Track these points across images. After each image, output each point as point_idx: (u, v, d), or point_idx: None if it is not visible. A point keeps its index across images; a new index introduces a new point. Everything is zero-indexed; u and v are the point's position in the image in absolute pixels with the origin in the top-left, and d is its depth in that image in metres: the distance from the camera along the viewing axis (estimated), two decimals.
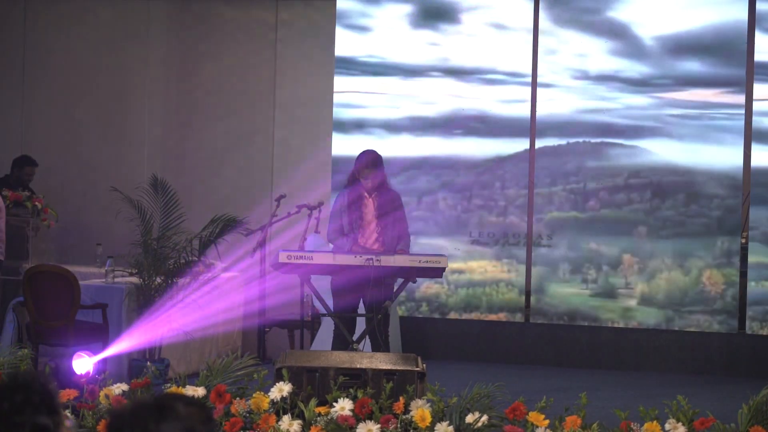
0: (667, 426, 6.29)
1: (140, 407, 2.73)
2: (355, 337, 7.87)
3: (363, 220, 8.06)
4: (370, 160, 8.09)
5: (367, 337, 7.95)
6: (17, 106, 11.23)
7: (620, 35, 9.88)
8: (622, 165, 9.89)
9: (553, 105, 9.98)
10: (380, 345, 7.78)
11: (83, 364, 7.78)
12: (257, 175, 10.82)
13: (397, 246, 7.99)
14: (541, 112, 9.99)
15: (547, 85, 9.98)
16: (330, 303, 8.06)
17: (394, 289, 8.03)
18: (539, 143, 10.01)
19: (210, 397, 6.71)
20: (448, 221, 10.13)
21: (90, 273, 9.55)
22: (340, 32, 10.32)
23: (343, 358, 6.97)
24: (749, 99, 9.63)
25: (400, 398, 6.50)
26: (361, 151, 8.26)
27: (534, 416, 6.34)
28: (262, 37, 10.82)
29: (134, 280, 8.99)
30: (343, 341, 7.85)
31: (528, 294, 10.01)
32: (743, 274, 9.62)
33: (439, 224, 10.13)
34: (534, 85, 10.00)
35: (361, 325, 8.08)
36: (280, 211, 9.34)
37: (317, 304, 8.46)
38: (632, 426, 6.28)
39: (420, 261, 7.74)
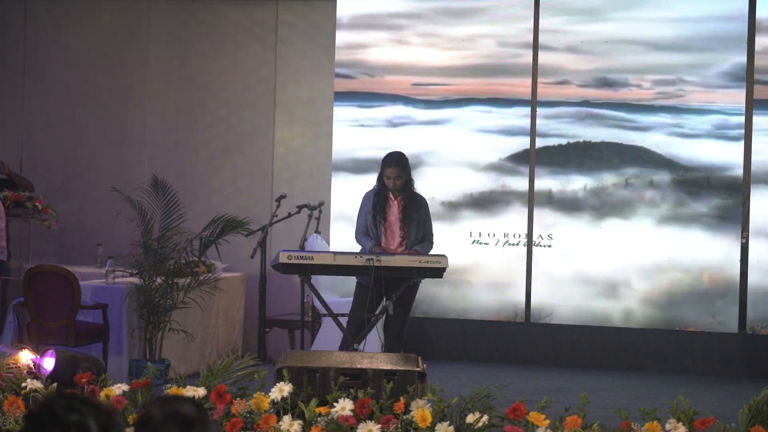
0: (667, 426, 6.29)
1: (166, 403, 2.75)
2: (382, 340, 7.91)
3: (387, 222, 8.08)
4: (394, 160, 8.12)
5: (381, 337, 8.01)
6: (17, 106, 11.23)
7: (621, 35, 9.88)
8: (623, 165, 9.89)
9: (553, 104, 9.97)
10: (395, 345, 7.80)
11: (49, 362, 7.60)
12: (257, 175, 10.82)
13: (414, 247, 8.02)
14: (542, 111, 9.98)
15: (547, 84, 9.97)
16: (330, 302, 8.07)
17: (416, 290, 8.09)
18: (540, 143, 10.01)
19: (210, 398, 6.71)
20: (448, 221, 10.12)
21: (90, 273, 9.56)
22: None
23: (343, 359, 6.97)
24: (750, 98, 9.62)
25: (401, 398, 6.50)
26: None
27: (534, 416, 6.34)
28: (262, 37, 10.82)
29: (135, 280, 9.00)
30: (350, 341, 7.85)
31: (528, 294, 10.00)
32: (743, 274, 9.62)
33: (440, 224, 10.12)
34: (534, 84, 9.99)
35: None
36: (280, 211, 9.34)
37: (317, 304, 8.46)
38: (633, 426, 6.28)
39: (420, 261, 7.74)
